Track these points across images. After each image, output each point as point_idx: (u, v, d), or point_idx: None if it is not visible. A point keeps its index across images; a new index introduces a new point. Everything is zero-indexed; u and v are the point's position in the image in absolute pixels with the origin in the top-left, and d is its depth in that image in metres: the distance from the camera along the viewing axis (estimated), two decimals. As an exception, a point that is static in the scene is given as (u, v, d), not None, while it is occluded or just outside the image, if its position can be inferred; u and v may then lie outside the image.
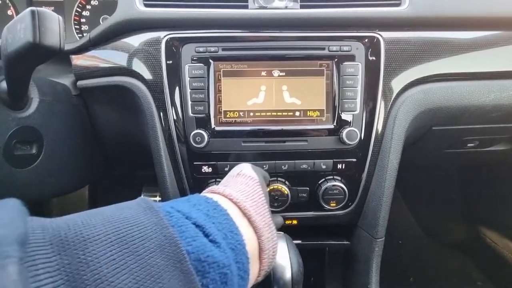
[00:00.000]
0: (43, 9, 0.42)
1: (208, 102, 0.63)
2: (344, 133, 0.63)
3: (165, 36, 0.62)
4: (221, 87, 0.63)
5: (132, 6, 0.62)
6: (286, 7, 0.64)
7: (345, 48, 0.63)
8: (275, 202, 0.66)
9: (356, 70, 0.63)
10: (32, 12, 0.40)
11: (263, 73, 0.63)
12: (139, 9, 0.62)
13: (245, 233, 0.39)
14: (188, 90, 0.62)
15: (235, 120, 0.64)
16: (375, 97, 0.65)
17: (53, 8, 0.84)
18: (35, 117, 0.57)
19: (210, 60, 0.62)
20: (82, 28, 0.86)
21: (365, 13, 0.63)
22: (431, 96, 0.66)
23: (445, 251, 1.35)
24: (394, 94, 0.65)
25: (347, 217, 0.71)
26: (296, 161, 0.65)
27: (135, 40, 0.64)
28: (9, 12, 0.83)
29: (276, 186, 0.65)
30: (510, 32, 0.67)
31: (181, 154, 0.65)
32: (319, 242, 0.77)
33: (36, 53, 0.43)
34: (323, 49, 0.63)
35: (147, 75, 0.63)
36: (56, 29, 0.42)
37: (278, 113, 0.64)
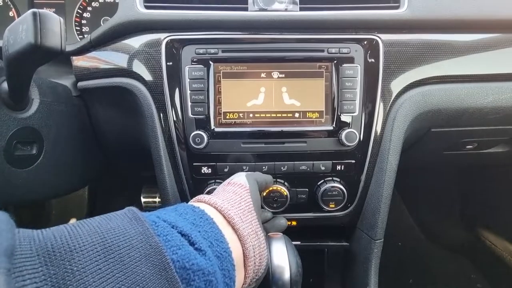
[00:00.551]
0: (45, 10, 0.42)
1: (208, 103, 0.63)
2: (343, 134, 0.63)
3: (165, 38, 0.63)
4: (220, 89, 0.63)
5: (132, 8, 0.63)
6: (285, 10, 0.64)
7: (344, 50, 0.64)
8: (275, 203, 0.66)
9: (355, 72, 0.64)
10: (34, 13, 0.41)
11: (263, 75, 0.64)
12: (139, 10, 0.63)
13: (230, 240, 0.40)
14: (188, 92, 0.62)
15: (234, 122, 0.64)
16: (374, 99, 0.65)
17: (54, 9, 0.85)
18: (35, 118, 0.57)
19: (210, 62, 0.63)
20: (83, 30, 0.87)
21: (364, 15, 0.64)
22: (429, 98, 0.67)
23: (444, 253, 1.35)
24: (393, 96, 0.66)
25: (346, 218, 0.71)
26: (295, 162, 0.66)
27: (136, 42, 0.64)
28: (11, 14, 0.84)
29: (276, 187, 0.65)
30: (508, 35, 0.68)
31: (180, 155, 0.65)
32: (318, 243, 0.78)
33: (37, 55, 0.43)
34: (323, 51, 0.64)
35: (147, 76, 0.64)
36: (57, 30, 0.42)
37: (278, 115, 0.64)
